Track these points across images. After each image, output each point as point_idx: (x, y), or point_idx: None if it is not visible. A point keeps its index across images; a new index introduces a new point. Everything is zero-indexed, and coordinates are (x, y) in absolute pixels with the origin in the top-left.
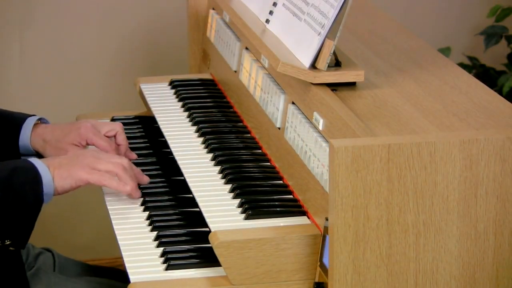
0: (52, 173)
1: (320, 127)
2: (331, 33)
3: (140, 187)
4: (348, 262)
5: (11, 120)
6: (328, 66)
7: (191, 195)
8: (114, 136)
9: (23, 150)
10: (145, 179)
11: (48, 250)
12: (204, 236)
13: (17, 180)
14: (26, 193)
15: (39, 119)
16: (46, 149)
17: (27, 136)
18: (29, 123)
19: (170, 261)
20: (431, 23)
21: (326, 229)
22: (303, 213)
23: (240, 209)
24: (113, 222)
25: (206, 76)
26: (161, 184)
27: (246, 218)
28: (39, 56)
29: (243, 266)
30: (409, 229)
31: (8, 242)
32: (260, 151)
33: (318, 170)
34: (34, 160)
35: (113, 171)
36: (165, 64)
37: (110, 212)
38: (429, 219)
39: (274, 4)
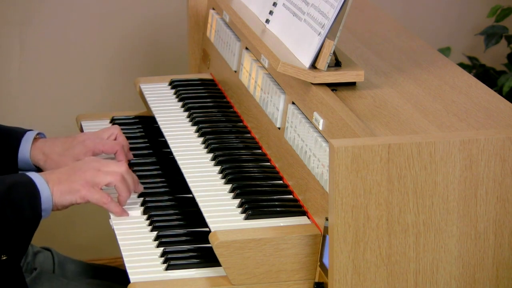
0: (52, 189)
1: (320, 127)
2: (331, 33)
3: None
4: (348, 262)
5: (11, 134)
6: (328, 66)
7: (191, 195)
8: (115, 139)
9: (22, 164)
10: (140, 188)
11: (47, 249)
12: (204, 236)
13: (15, 195)
14: (24, 209)
15: (38, 133)
16: (46, 163)
17: (27, 149)
18: (29, 137)
19: (170, 261)
20: (431, 23)
21: (326, 229)
22: (303, 213)
23: (240, 209)
24: (113, 222)
25: (206, 76)
26: (161, 184)
27: (246, 218)
28: (39, 56)
29: (243, 266)
30: (409, 229)
31: (4, 257)
32: (260, 151)
33: (318, 170)
34: (32, 175)
35: (112, 183)
36: (165, 64)
37: (110, 212)
38: (429, 219)
39: (274, 4)
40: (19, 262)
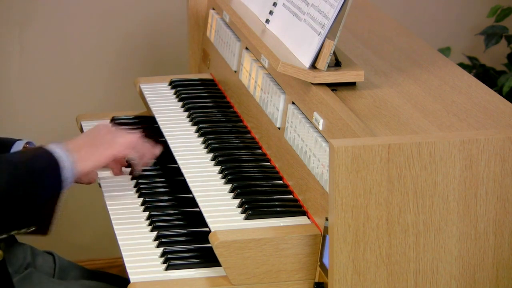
0: (73, 157)
1: (320, 127)
2: (331, 33)
3: (140, 187)
4: (348, 262)
5: (0, 144)
6: (328, 66)
7: (191, 195)
8: None
9: None
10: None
11: (50, 253)
12: (204, 236)
13: (37, 166)
14: (47, 179)
15: (27, 142)
16: None
17: None
18: (18, 146)
19: (170, 261)
20: (431, 23)
21: (326, 229)
22: (303, 213)
23: (240, 209)
24: (113, 222)
25: (206, 76)
26: (161, 184)
27: (246, 218)
28: (39, 56)
29: (243, 266)
30: (409, 229)
31: (32, 229)
32: (260, 151)
33: (318, 170)
34: (50, 147)
35: (133, 142)
36: (165, 64)
37: (110, 212)
38: (429, 219)
39: (274, 4)
40: (48, 233)
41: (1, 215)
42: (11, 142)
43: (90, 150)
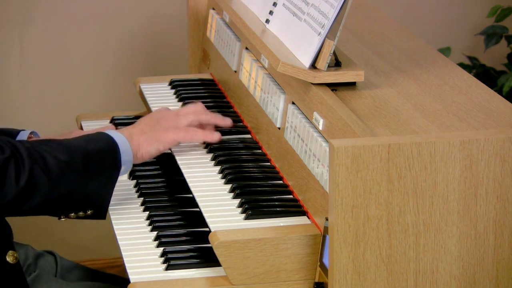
0: (137, 141)
1: (320, 127)
2: (331, 33)
3: (140, 187)
4: (348, 262)
5: (4, 134)
6: (328, 66)
7: (191, 195)
8: None
9: None
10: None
11: (51, 253)
12: (204, 236)
13: (93, 147)
14: (104, 160)
15: (31, 132)
16: None
17: None
18: (22, 136)
19: (170, 261)
20: (431, 23)
21: (326, 229)
22: (303, 213)
23: (240, 209)
24: (113, 222)
25: (206, 76)
26: (161, 184)
27: (246, 218)
28: (39, 56)
29: (243, 266)
30: (409, 229)
31: (89, 212)
32: (260, 151)
33: (318, 170)
34: (109, 131)
35: (195, 120)
36: (165, 64)
37: (110, 212)
38: (429, 219)
39: (274, 4)
40: (104, 217)
41: (57, 196)
42: (15, 132)
43: (153, 134)
